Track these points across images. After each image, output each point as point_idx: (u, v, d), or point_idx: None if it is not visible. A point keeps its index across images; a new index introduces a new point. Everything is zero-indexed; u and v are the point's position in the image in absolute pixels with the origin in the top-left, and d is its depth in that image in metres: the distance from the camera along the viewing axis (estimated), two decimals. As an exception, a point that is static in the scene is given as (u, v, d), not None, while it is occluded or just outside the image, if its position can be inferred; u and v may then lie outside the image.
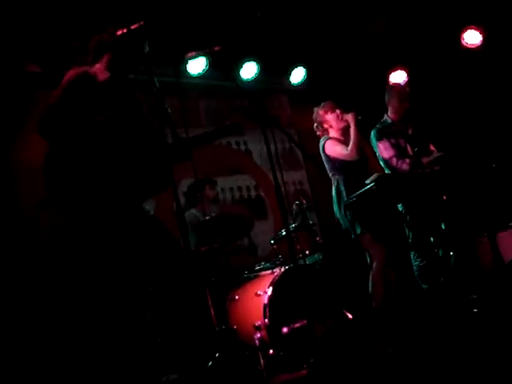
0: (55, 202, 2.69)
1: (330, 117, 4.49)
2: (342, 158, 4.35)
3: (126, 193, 2.80)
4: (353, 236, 4.25)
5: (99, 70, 2.96)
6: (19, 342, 3.90)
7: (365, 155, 4.46)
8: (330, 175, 4.47)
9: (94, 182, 2.71)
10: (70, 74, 2.86)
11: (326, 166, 4.48)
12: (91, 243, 2.85)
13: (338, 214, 4.42)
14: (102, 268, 3.01)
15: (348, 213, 4.26)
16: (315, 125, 4.61)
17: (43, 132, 2.73)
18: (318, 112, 4.55)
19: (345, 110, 4.48)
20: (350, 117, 4.38)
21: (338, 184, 4.37)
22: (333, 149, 4.39)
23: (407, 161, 4.58)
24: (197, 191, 4.81)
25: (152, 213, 3.08)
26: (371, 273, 4.21)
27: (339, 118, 4.46)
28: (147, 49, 2.99)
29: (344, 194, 4.30)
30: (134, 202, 2.89)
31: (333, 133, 4.50)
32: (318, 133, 4.61)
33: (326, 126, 4.52)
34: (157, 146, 2.89)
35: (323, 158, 4.46)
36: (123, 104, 2.96)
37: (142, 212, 2.96)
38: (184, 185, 5.03)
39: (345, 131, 4.46)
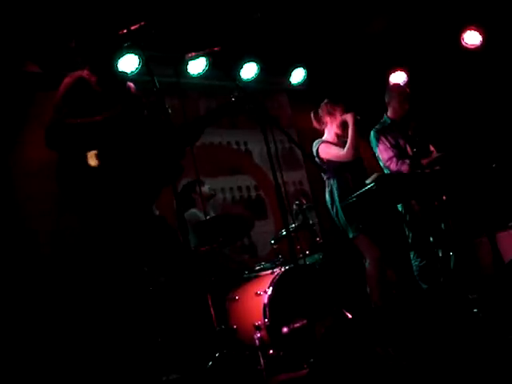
0: (74, 207, 2.74)
1: (328, 119, 4.51)
2: (338, 159, 4.33)
3: (137, 190, 2.83)
4: (350, 235, 4.26)
5: (89, 73, 2.99)
6: (20, 341, 3.91)
7: (360, 156, 4.46)
8: (325, 178, 4.47)
9: (106, 184, 2.74)
10: (66, 82, 2.90)
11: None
12: (102, 242, 2.88)
13: (333, 216, 4.42)
14: (105, 267, 3.02)
15: (342, 214, 4.26)
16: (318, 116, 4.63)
17: (51, 145, 2.79)
18: (322, 106, 4.56)
19: (345, 112, 4.50)
20: (348, 116, 4.37)
21: (331, 186, 4.36)
22: (327, 151, 4.38)
23: (407, 161, 4.58)
24: (190, 192, 4.83)
25: (157, 212, 3.10)
26: (366, 274, 4.22)
27: (337, 120, 4.47)
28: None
29: (336, 195, 4.30)
30: (145, 199, 2.91)
31: (327, 133, 4.51)
32: (315, 125, 4.60)
33: (324, 120, 4.54)
34: (162, 132, 2.90)
35: (317, 161, 4.45)
36: (122, 100, 2.98)
37: (150, 211, 2.98)
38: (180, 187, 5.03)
39: (339, 134, 4.47)
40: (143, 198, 2.88)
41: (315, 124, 4.61)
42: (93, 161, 2.73)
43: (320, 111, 4.58)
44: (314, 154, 4.44)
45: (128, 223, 2.82)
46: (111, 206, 2.75)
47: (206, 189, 5.02)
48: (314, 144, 4.47)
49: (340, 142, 4.42)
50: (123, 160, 2.81)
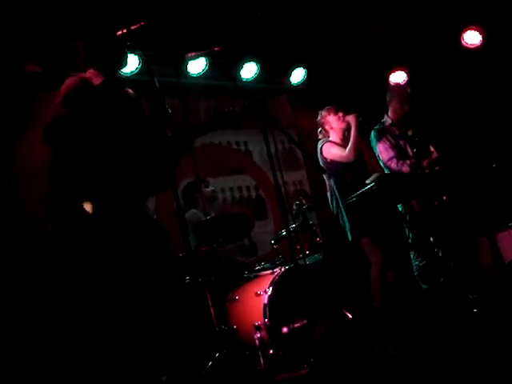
0: (63, 206, 2.74)
1: (332, 118, 4.53)
2: (339, 159, 4.35)
3: (129, 193, 2.83)
4: (350, 238, 4.26)
5: (93, 74, 2.99)
6: (20, 341, 3.91)
7: (362, 158, 4.47)
8: (326, 178, 4.48)
9: (98, 186, 2.74)
10: (68, 83, 2.89)
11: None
12: (96, 244, 2.88)
13: (335, 217, 4.43)
14: (104, 268, 3.01)
15: (345, 216, 4.27)
16: (319, 129, 4.65)
17: (49, 143, 2.80)
18: (321, 113, 4.60)
19: (347, 113, 4.51)
20: (351, 117, 4.40)
21: (333, 186, 4.37)
22: (329, 151, 4.41)
23: (407, 162, 4.58)
24: (194, 192, 4.82)
25: (155, 216, 3.09)
26: (370, 275, 4.22)
27: (340, 120, 4.49)
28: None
29: (339, 196, 4.31)
30: (137, 203, 2.91)
31: (333, 135, 4.53)
32: (319, 136, 4.63)
33: (327, 127, 4.56)
34: (156, 141, 2.90)
35: (320, 160, 4.47)
36: (119, 104, 2.98)
37: (145, 214, 2.98)
38: (184, 185, 5.03)
39: (345, 135, 4.48)
40: (132, 201, 2.88)
41: (322, 137, 4.62)
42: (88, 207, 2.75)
43: (320, 128, 4.62)
44: (318, 152, 4.47)
45: (118, 225, 2.82)
46: (101, 207, 2.76)
47: (209, 190, 5.02)
48: (319, 143, 4.51)
49: (346, 143, 4.44)
50: (115, 162, 2.81)
